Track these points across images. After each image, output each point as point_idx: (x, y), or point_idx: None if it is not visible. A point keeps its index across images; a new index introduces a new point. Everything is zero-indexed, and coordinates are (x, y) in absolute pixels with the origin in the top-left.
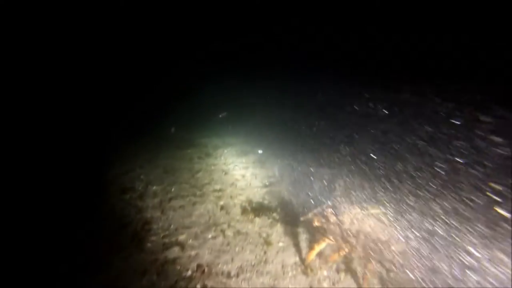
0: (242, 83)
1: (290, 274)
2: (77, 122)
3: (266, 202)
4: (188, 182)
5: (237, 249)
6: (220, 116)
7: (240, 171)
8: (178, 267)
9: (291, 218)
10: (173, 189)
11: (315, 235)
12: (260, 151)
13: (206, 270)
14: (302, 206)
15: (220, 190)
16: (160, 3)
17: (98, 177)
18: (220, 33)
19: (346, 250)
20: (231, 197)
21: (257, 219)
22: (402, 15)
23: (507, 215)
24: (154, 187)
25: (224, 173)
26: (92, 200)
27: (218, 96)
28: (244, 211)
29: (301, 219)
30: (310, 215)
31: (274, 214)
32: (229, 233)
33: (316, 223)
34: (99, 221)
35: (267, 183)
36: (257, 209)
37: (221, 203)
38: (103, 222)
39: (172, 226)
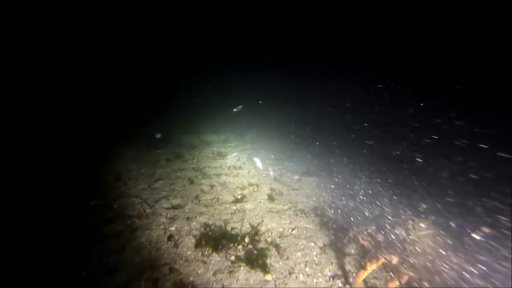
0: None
1: None
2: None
3: (231, 227)
4: (140, 195)
5: None
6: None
7: (209, 179)
8: None
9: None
10: (115, 205)
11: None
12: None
13: None
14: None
15: (176, 207)
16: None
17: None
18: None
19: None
20: (187, 219)
21: (214, 257)
22: None
23: None
24: (93, 202)
25: (189, 181)
26: None
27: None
28: (198, 242)
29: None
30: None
31: (239, 249)
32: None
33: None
34: None
35: (238, 196)
36: (217, 239)
37: (172, 228)
38: None
39: (88, 271)
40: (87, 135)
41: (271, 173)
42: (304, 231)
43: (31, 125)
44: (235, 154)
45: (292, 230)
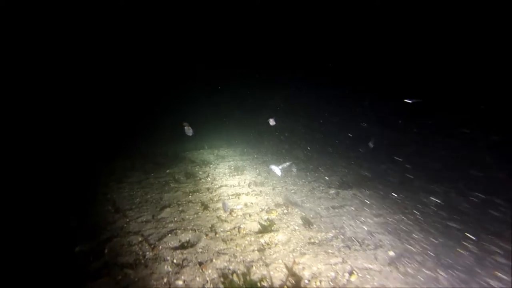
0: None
1: None
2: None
3: (260, 275)
4: (141, 230)
5: None
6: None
7: (229, 202)
8: None
9: None
10: (106, 250)
11: None
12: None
13: None
14: None
15: (186, 245)
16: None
17: None
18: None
19: None
20: (200, 265)
21: None
22: None
23: None
24: (77, 248)
25: (202, 207)
26: None
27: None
28: None
29: None
30: None
31: None
32: None
33: None
34: None
35: (265, 223)
36: None
37: (179, 282)
38: None
39: None
40: (85, 155)
41: (298, 187)
42: (368, 276)
43: (15, 136)
44: (254, 167)
45: (350, 274)
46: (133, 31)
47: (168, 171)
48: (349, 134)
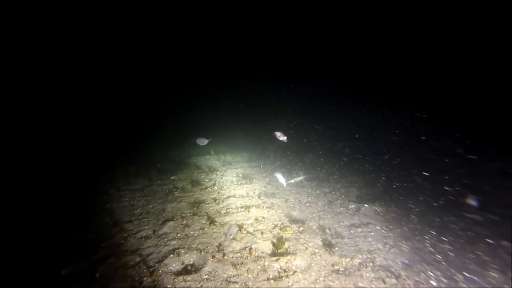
0: None
1: None
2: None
3: None
4: (139, 248)
5: None
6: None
7: (236, 215)
8: None
9: None
10: (98, 274)
11: None
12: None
13: None
14: None
15: (190, 269)
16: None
17: None
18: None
19: None
20: None
21: None
22: None
23: None
24: (64, 271)
25: (209, 221)
26: None
27: None
28: None
29: None
30: None
31: None
32: None
33: None
34: None
35: (279, 243)
36: None
37: None
38: None
39: None
40: (88, 159)
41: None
42: None
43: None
44: (263, 175)
45: None
46: (140, 32)
47: (172, 177)
48: (357, 138)
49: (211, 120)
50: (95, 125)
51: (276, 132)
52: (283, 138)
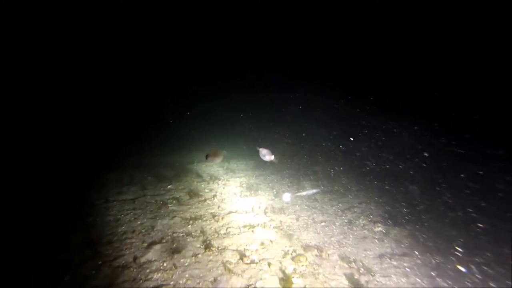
0: None
1: None
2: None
3: None
4: (112, 285)
5: None
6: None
7: (238, 238)
8: None
9: None
10: None
11: None
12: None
13: None
14: None
15: None
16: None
17: None
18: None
19: None
20: None
21: None
22: None
23: None
24: None
25: (204, 245)
26: None
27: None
28: None
29: None
30: None
31: None
32: None
33: None
34: None
35: (292, 278)
36: None
37: None
38: None
39: None
40: (81, 164)
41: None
42: None
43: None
44: (270, 185)
45: None
46: (140, 32)
47: (169, 186)
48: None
49: (217, 126)
50: (89, 125)
51: (261, 149)
52: (269, 157)
